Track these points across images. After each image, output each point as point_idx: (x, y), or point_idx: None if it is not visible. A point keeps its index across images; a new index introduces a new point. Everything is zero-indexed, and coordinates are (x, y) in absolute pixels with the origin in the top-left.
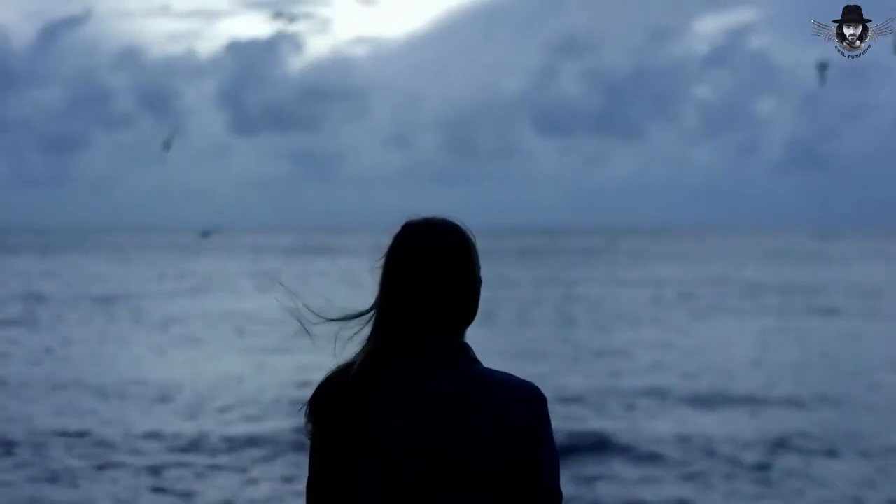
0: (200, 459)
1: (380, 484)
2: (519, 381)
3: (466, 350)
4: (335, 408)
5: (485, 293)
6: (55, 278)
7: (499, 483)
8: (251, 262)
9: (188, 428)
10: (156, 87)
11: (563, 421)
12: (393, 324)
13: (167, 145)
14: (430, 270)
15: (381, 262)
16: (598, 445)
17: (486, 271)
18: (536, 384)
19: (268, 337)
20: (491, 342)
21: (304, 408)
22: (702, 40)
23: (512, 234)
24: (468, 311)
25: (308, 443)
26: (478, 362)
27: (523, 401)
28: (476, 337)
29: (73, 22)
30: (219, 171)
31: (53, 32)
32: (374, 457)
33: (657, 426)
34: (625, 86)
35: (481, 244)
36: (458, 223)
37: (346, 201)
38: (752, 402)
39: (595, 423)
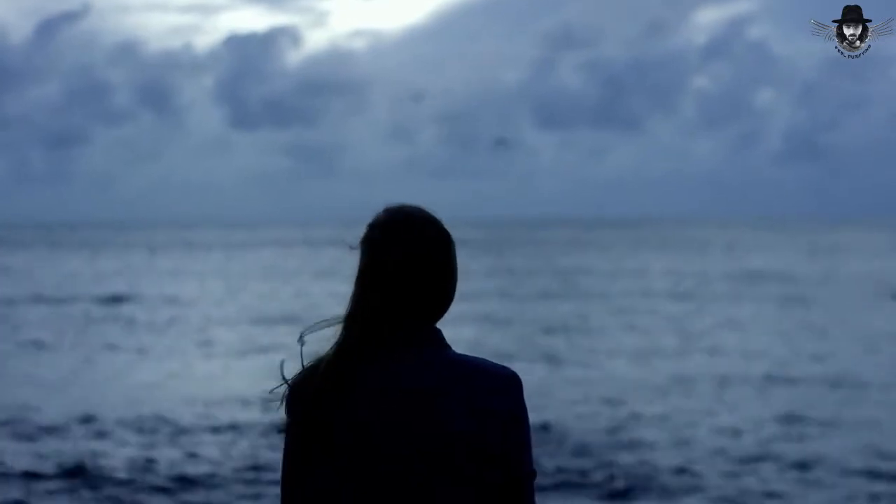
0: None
1: (357, 480)
2: (497, 366)
3: (440, 337)
4: (309, 403)
5: (492, 283)
6: (52, 276)
7: (480, 470)
8: (253, 258)
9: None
10: (154, 82)
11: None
12: (370, 314)
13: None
14: (413, 259)
15: (361, 248)
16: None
17: (491, 263)
18: (512, 368)
19: (266, 337)
20: (497, 335)
21: (281, 404)
22: (701, 31)
23: (511, 226)
24: (447, 301)
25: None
26: (450, 348)
27: (504, 387)
28: (489, 329)
29: (71, 17)
30: (217, 166)
31: (51, 27)
32: (350, 452)
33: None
34: (624, 78)
35: (484, 237)
36: (432, 212)
37: (345, 195)
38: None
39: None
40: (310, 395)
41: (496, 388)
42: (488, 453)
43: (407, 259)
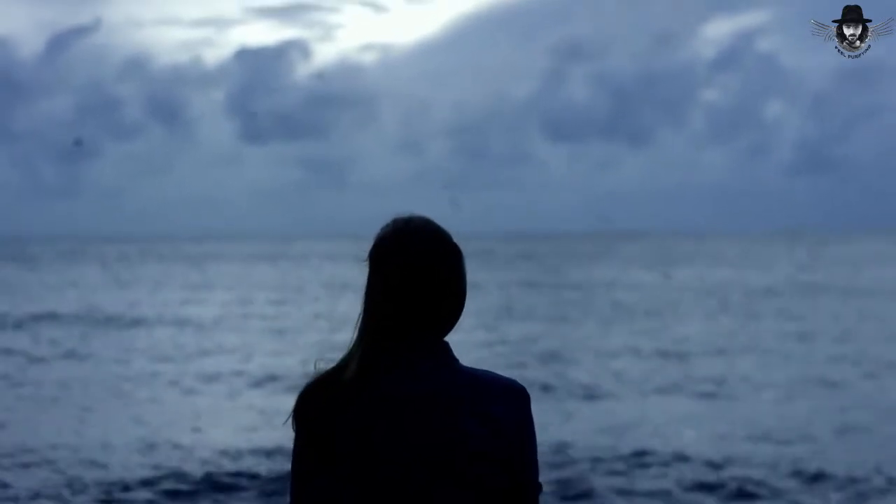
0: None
1: (358, 486)
2: (505, 379)
3: (447, 349)
4: (319, 413)
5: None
6: (59, 292)
7: (485, 482)
8: (265, 272)
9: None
10: (165, 96)
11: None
12: (378, 325)
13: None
14: (417, 272)
15: (370, 260)
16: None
17: (508, 277)
18: (520, 382)
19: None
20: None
21: (290, 415)
22: (710, 44)
23: (522, 239)
24: (454, 315)
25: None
26: (457, 361)
27: (512, 400)
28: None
29: (82, 31)
30: (228, 179)
31: (62, 42)
32: (359, 462)
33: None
34: (634, 90)
35: (495, 250)
36: (439, 225)
37: (356, 208)
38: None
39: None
40: (315, 405)
41: (500, 395)
42: (490, 457)
43: (411, 272)
